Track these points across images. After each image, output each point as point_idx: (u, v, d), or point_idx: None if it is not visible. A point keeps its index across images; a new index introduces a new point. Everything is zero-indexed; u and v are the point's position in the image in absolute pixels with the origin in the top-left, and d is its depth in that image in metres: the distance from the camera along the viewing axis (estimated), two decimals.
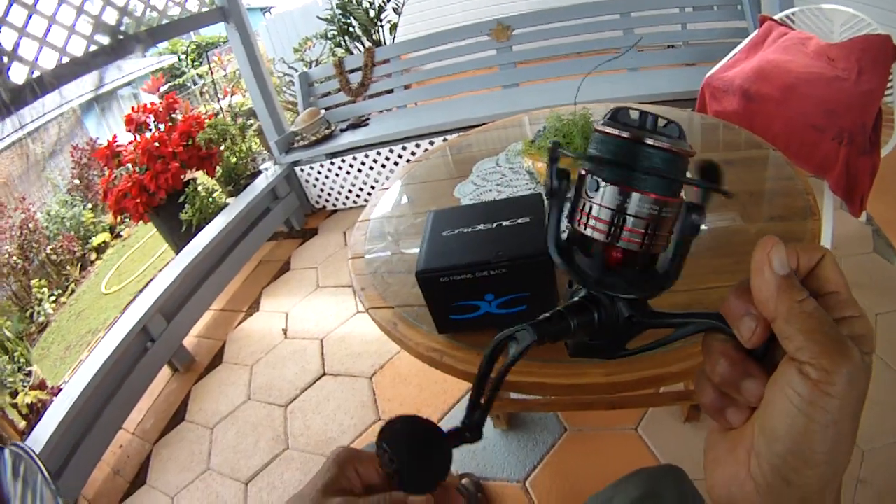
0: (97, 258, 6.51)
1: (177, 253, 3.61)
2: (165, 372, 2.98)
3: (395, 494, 0.47)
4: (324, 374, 2.67)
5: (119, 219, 4.58)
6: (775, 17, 2.73)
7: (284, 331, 3.05)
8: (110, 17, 2.92)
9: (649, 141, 0.41)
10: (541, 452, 1.97)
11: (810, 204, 1.28)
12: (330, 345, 2.84)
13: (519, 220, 1.11)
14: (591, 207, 0.44)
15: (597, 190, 0.43)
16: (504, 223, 1.11)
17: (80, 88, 9.29)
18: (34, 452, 1.18)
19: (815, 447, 0.34)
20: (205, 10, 3.52)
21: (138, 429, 2.72)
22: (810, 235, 1.20)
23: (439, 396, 2.34)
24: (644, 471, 1.04)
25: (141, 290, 3.58)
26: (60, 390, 2.48)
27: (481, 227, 1.12)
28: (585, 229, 0.44)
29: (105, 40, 2.89)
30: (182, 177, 3.85)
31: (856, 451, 1.75)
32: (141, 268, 5.58)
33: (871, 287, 2.34)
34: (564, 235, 0.47)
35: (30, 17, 2.55)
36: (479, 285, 1.06)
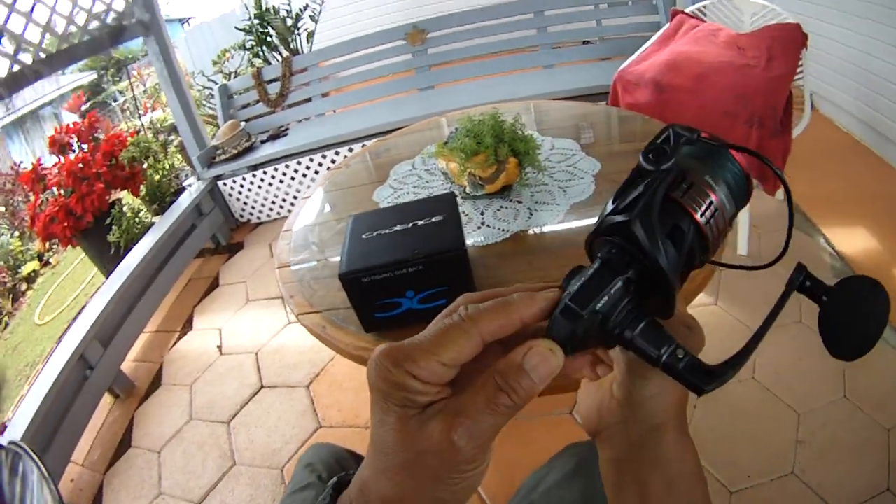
0: (28, 288, 6.30)
1: (107, 277, 3.53)
2: (107, 399, 2.91)
3: (504, 364, 0.40)
4: (262, 387, 2.67)
5: (48, 245, 4.45)
6: (686, 11, 2.82)
7: (219, 347, 3.03)
8: (32, 35, 2.86)
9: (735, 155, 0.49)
10: None
11: None
12: (265, 357, 2.84)
13: (433, 219, 1.15)
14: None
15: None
16: (419, 222, 1.15)
17: (2, 110, 8.99)
18: (32, 451, 1.17)
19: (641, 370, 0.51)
20: (125, 23, 3.46)
21: (87, 460, 2.65)
22: None
23: None
24: (574, 446, 1.09)
25: (75, 318, 3.50)
26: (6, 428, 2.41)
27: (398, 227, 1.16)
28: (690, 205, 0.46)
29: (28, 59, 2.83)
30: (107, 198, 3.77)
31: (791, 414, 1.86)
32: (73, 295, 5.44)
33: (793, 261, 2.41)
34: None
35: None
36: (399, 283, 1.10)
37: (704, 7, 2.90)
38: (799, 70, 2.39)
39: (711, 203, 0.46)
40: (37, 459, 1.14)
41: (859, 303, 0.47)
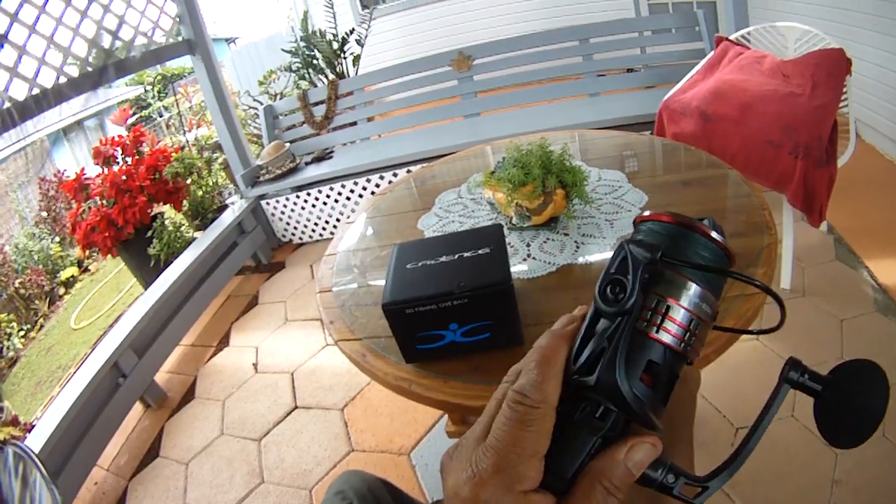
0: (66, 292, 6.43)
1: (146, 288, 3.58)
2: (138, 408, 2.95)
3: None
4: (296, 407, 2.68)
5: (87, 253, 4.54)
6: (731, 38, 2.80)
7: (255, 365, 3.05)
8: (79, 48, 2.95)
9: (707, 231, 0.43)
10: None
11: (766, 219, 1.34)
12: (301, 378, 2.85)
13: (479, 251, 1.14)
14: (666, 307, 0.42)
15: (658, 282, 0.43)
16: (465, 254, 1.14)
17: (48, 119, 9.21)
18: (34, 452, 1.17)
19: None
20: (171, 41, 3.54)
21: (113, 465, 2.68)
22: (766, 249, 1.24)
23: (410, 425, 2.36)
24: None
25: (111, 326, 3.54)
26: (33, 427, 2.45)
27: (444, 258, 1.15)
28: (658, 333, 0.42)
29: (74, 72, 2.91)
30: (149, 211, 3.84)
31: (828, 453, 1.83)
32: (110, 302, 5.52)
33: (835, 294, 2.43)
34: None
35: (0, 46, 2.56)
36: (443, 315, 1.08)
37: (748, 34, 2.88)
38: (843, 97, 2.35)
39: (682, 314, 0.42)
40: (38, 462, 1.14)
41: (857, 391, 0.43)
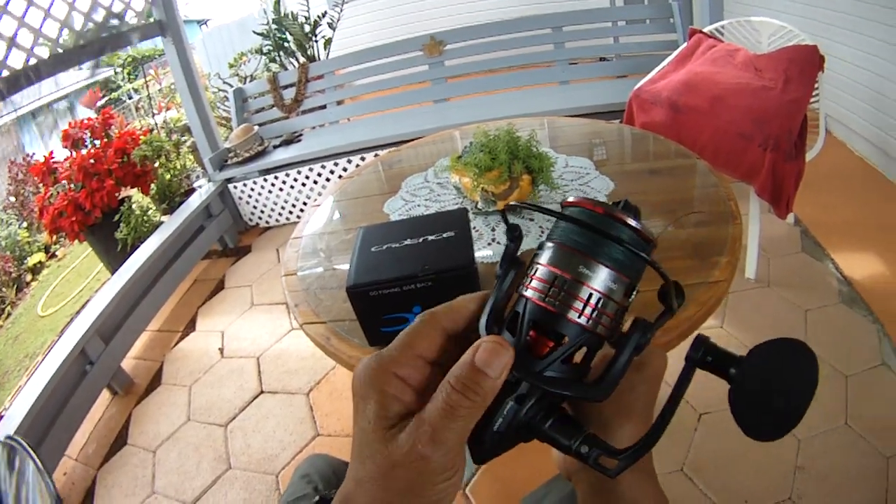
0: (33, 279, 6.31)
1: (112, 273, 3.54)
2: (105, 395, 2.91)
3: (457, 375, 0.40)
4: (262, 391, 2.67)
5: (55, 238, 4.46)
6: (705, 30, 2.81)
7: (221, 350, 3.03)
8: (51, 29, 2.90)
9: (619, 215, 0.43)
10: None
11: (731, 210, 1.35)
12: (266, 362, 2.84)
13: (444, 235, 1.14)
14: (537, 270, 0.44)
15: (548, 252, 0.44)
16: (430, 238, 1.14)
17: (15, 102, 9.04)
18: (29, 445, 1.15)
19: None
20: (142, 23, 3.49)
21: (81, 454, 2.65)
22: (731, 238, 1.25)
23: None
24: None
25: (78, 312, 3.49)
26: (1, 417, 2.41)
27: (408, 241, 1.14)
28: (526, 290, 0.44)
29: (44, 53, 2.86)
30: (117, 195, 3.78)
31: (791, 440, 1.86)
32: (77, 289, 5.44)
33: (800, 285, 2.47)
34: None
35: None
36: (407, 298, 1.08)
37: (722, 27, 2.90)
38: (815, 93, 2.38)
39: (591, 296, 0.42)
40: (33, 454, 1.13)
41: (777, 373, 0.41)
